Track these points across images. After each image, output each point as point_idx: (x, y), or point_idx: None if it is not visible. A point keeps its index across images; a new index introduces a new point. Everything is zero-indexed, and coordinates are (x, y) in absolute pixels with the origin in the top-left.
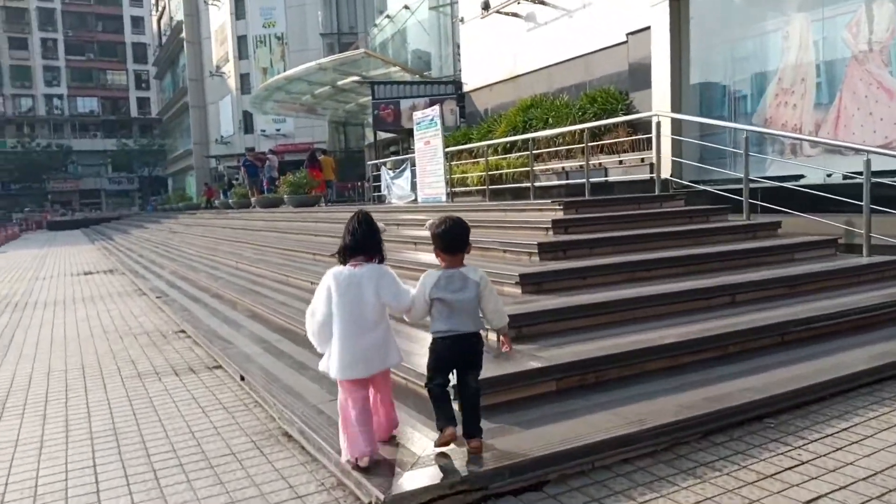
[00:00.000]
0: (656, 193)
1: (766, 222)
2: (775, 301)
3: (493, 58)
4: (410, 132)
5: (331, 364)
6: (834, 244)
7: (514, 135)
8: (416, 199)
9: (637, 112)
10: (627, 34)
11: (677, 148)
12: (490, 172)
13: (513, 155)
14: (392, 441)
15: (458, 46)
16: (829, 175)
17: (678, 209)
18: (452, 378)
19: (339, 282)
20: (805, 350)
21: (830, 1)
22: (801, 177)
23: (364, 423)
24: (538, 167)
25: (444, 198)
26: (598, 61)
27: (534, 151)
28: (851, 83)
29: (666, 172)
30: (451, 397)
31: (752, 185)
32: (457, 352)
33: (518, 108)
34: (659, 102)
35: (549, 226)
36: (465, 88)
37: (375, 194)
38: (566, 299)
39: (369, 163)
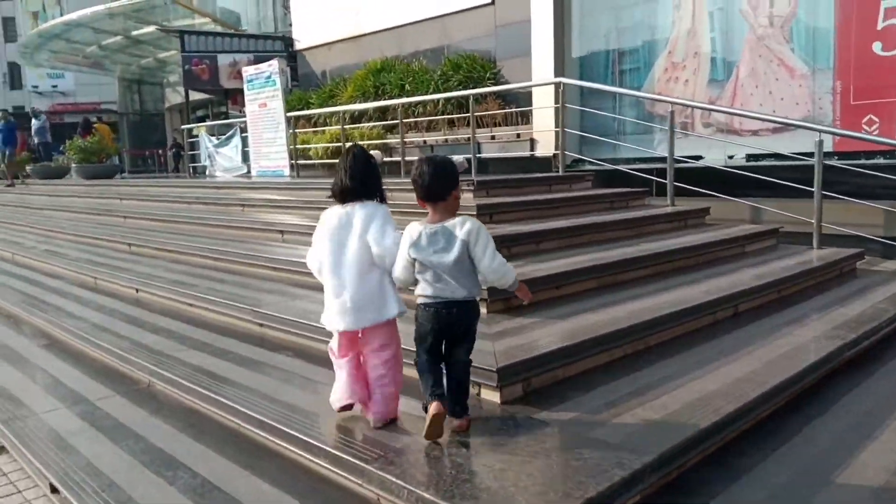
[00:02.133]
0: (560, 173)
1: (695, 209)
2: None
3: (331, 13)
4: (229, 93)
5: (324, 314)
6: (775, 234)
7: (364, 101)
8: (248, 172)
9: (507, 82)
10: None
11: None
12: (337, 144)
13: (366, 124)
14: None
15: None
16: (730, 157)
17: (593, 193)
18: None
19: (330, 222)
20: None
21: None
22: (699, 157)
23: (348, 380)
24: (394, 140)
25: (286, 171)
26: (459, 24)
27: (394, 121)
28: (750, 59)
29: (550, 149)
30: (440, 362)
31: (653, 166)
32: (441, 323)
33: (367, 70)
34: (540, 72)
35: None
36: (298, 46)
37: (193, 165)
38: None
39: (183, 126)
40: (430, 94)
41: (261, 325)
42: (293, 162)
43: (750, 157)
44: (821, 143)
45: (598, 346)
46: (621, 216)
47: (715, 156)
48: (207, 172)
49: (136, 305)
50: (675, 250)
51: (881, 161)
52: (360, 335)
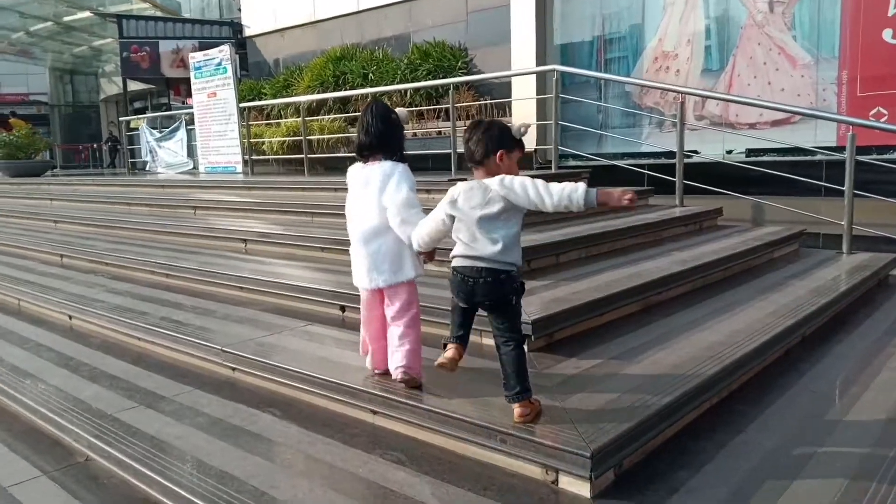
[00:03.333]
0: (554, 171)
1: (707, 210)
2: None
3: None
4: (171, 82)
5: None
6: (799, 238)
7: (323, 91)
8: (195, 168)
9: (479, 71)
10: None
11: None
12: (295, 137)
13: (326, 117)
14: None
15: None
16: (728, 152)
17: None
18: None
19: (353, 181)
20: None
21: None
22: (695, 152)
23: (369, 336)
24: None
25: (239, 167)
26: (426, 9)
27: (357, 113)
28: (747, 48)
29: (532, 144)
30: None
31: (646, 161)
32: (470, 292)
33: (326, 58)
34: (521, 61)
35: None
36: (248, 33)
37: (132, 161)
38: None
39: (121, 119)
40: (397, 83)
41: (233, 369)
42: (246, 157)
43: (750, 151)
44: (853, 136)
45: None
46: (635, 220)
47: (709, 150)
48: (148, 168)
49: (70, 338)
50: (709, 262)
51: None
52: (384, 295)
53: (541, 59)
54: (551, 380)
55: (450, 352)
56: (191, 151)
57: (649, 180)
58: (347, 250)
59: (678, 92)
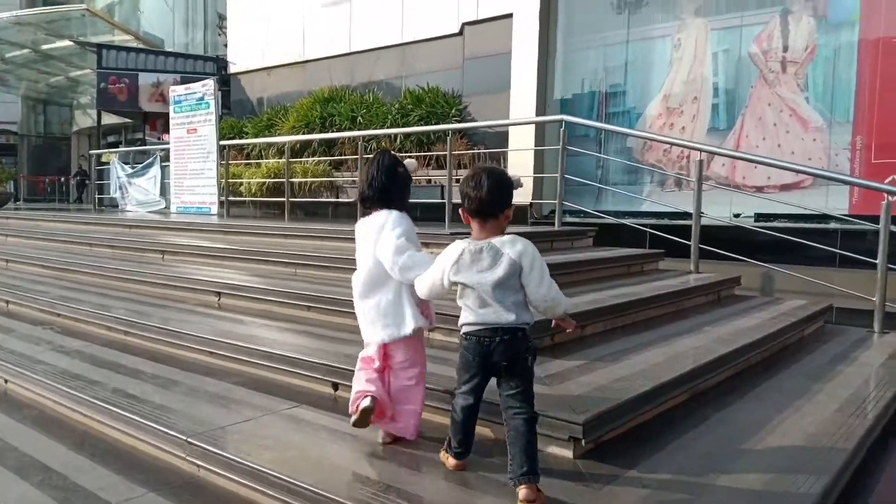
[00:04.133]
0: (558, 228)
1: (726, 278)
2: None
3: (273, 35)
4: (148, 116)
5: None
6: (825, 313)
7: (309, 133)
8: (167, 208)
9: (473, 119)
10: (464, 24)
11: (541, 169)
12: (276, 179)
13: (310, 159)
14: None
15: (221, 17)
16: (736, 215)
17: (604, 255)
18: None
19: (358, 232)
20: None
21: (736, 6)
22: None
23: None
24: (342, 178)
25: (214, 209)
26: (421, 54)
27: (343, 157)
28: (757, 107)
29: (528, 197)
30: (476, 418)
31: (651, 222)
32: (487, 353)
33: (314, 99)
34: (520, 111)
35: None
36: (233, 69)
37: (99, 196)
38: None
39: (92, 152)
40: (387, 128)
41: (198, 466)
42: (223, 199)
43: (759, 216)
44: (889, 205)
45: None
46: (655, 288)
47: (715, 213)
48: (119, 206)
49: (3, 410)
50: (750, 343)
51: None
52: (385, 349)
53: (541, 109)
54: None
55: (452, 465)
56: (164, 190)
57: (653, 241)
58: (336, 310)
59: (697, 149)
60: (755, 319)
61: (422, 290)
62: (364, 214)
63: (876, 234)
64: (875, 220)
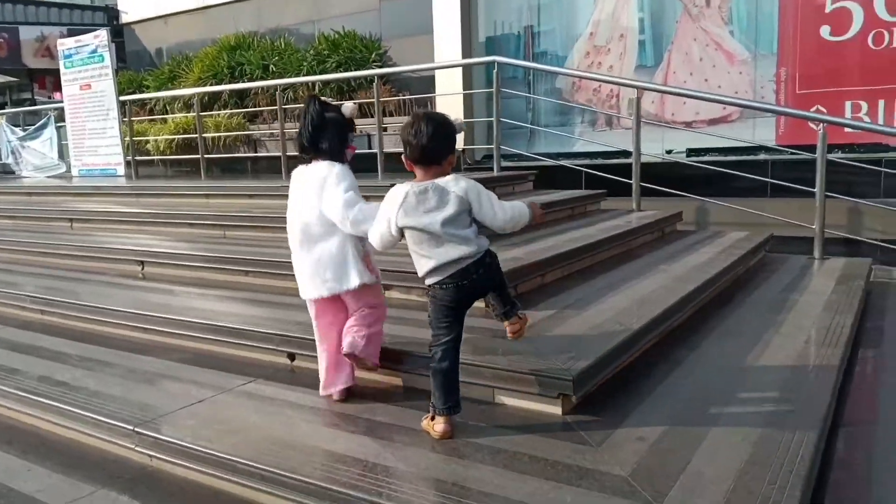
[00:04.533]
0: (497, 173)
1: (668, 215)
2: None
3: None
4: (35, 73)
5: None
6: (768, 243)
7: (217, 83)
8: (67, 171)
9: (394, 64)
10: None
11: (471, 113)
12: (187, 136)
13: (222, 112)
14: None
15: None
16: (668, 151)
17: (548, 198)
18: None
19: (294, 183)
20: None
21: None
22: (627, 153)
23: (327, 351)
24: (259, 132)
25: (121, 170)
26: None
27: (258, 108)
28: (683, 43)
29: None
30: (458, 369)
31: (586, 162)
32: (469, 291)
33: (220, 47)
34: (445, 54)
35: None
36: (125, 19)
37: None
38: None
39: None
40: (303, 76)
41: (150, 456)
42: (129, 158)
43: (691, 151)
44: (824, 134)
45: None
46: (603, 230)
47: (647, 150)
48: (15, 173)
49: None
50: (707, 282)
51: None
52: (339, 302)
53: (466, 51)
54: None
55: (441, 429)
56: (62, 152)
57: (589, 182)
58: (278, 273)
59: (634, 87)
60: (704, 255)
61: (374, 241)
62: (302, 163)
63: (804, 163)
64: (803, 149)
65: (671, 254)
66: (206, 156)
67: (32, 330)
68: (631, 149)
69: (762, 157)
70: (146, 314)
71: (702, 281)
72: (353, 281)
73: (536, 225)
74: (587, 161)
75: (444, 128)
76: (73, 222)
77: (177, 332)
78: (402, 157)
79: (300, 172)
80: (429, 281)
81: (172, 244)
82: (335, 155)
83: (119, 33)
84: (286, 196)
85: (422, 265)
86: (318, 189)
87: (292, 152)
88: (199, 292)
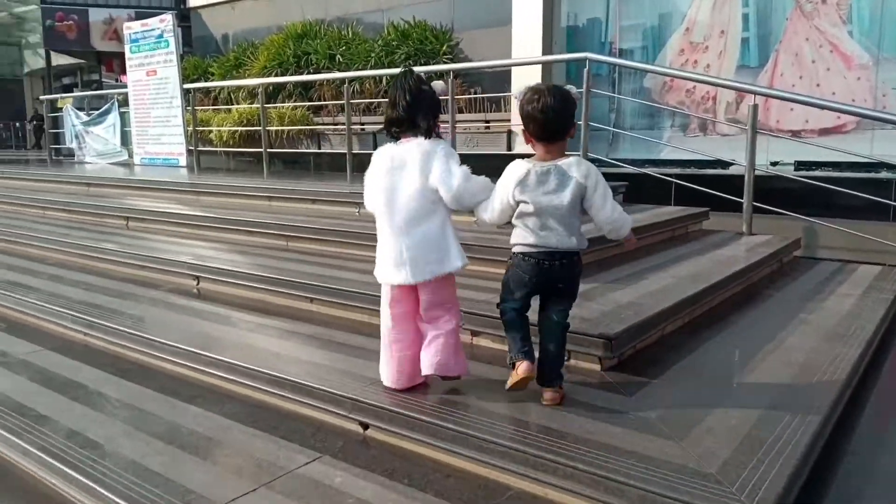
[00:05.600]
0: None
1: (787, 243)
2: None
3: None
4: (103, 56)
5: (377, 266)
6: None
7: (282, 73)
8: (129, 158)
9: (466, 57)
10: None
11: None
12: (250, 128)
13: (285, 104)
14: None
15: None
16: (773, 163)
17: (644, 218)
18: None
19: (381, 164)
20: None
21: None
22: (726, 164)
23: (399, 343)
24: (323, 125)
25: (183, 160)
26: None
27: (323, 102)
28: (793, 42)
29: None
30: (527, 322)
31: (675, 171)
32: (544, 276)
33: (286, 35)
34: (523, 48)
35: None
36: (192, 3)
37: (55, 147)
38: None
39: (42, 98)
40: (371, 67)
41: None
42: (191, 148)
43: (800, 164)
44: None
45: None
46: (717, 261)
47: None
48: (77, 157)
49: None
50: (868, 341)
51: None
52: (417, 291)
53: (547, 46)
54: None
55: (523, 368)
56: (125, 138)
57: (680, 193)
58: (347, 304)
59: (752, 92)
60: (847, 298)
61: (489, 213)
62: (393, 140)
63: None
64: None
65: (804, 294)
66: (268, 150)
67: (73, 356)
68: (729, 158)
69: (884, 174)
70: (197, 352)
71: (864, 341)
72: (455, 262)
73: (632, 253)
74: (678, 170)
75: (568, 102)
76: (129, 221)
77: (231, 377)
78: (521, 131)
79: (389, 151)
80: (517, 249)
81: (231, 256)
82: (429, 132)
83: (186, 18)
84: (352, 203)
85: (520, 236)
86: (422, 165)
87: (358, 150)
88: (259, 322)
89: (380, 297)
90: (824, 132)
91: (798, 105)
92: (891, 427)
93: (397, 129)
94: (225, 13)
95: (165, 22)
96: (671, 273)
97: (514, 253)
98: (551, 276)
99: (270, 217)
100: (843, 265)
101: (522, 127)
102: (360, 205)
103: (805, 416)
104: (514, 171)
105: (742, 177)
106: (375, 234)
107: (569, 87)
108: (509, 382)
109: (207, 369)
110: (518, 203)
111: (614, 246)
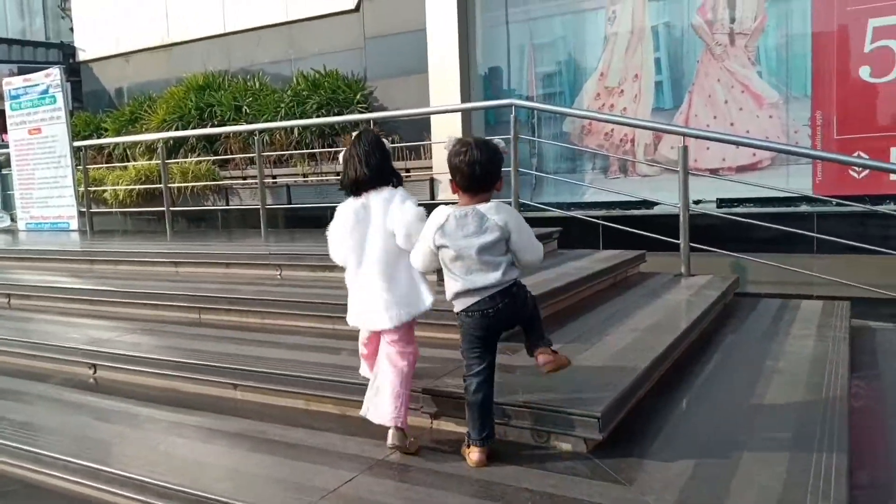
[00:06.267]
0: None
1: (729, 283)
2: None
3: (129, 16)
4: None
5: (350, 314)
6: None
7: (184, 126)
8: (12, 224)
9: (381, 106)
10: None
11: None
12: (149, 186)
13: (188, 160)
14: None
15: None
16: (696, 202)
17: (583, 266)
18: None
19: (346, 219)
20: None
21: None
22: (651, 204)
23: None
24: (231, 179)
25: (74, 223)
26: (312, 33)
27: (229, 156)
28: (706, 84)
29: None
30: (492, 399)
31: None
32: (494, 322)
33: (186, 87)
34: (441, 97)
35: None
36: (82, 57)
37: None
38: None
39: None
40: (282, 118)
41: None
42: (83, 209)
43: (721, 202)
44: None
45: None
46: (674, 308)
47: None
48: None
49: None
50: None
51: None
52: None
53: (465, 93)
54: None
55: (475, 458)
56: (7, 203)
57: (608, 236)
58: (279, 391)
59: (680, 134)
60: (805, 340)
61: (416, 260)
62: (352, 195)
63: (850, 215)
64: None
65: (760, 337)
66: (172, 208)
67: None
68: (651, 198)
69: (804, 208)
70: (97, 468)
71: (844, 389)
72: (426, 300)
73: (579, 308)
74: (603, 212)
75: (496, 155)
76: (10, 298)
77: (142, 499)
78: (450, 181)
79: (351, 207)
80: (457, 307)
81: (134, 338)
82: (398, 182)
83: (76, 72)
84: (272, 265)
85: (450, 287)
86: (383, 211)
87: (272, 204)
88: (173, 419)
89: (315, 377)
90: (741, 169)
91: (714, 144)
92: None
93: (363, 185)
94: (118, 66)
95: (51, 76)
96: (629, 326)
97: (456, 314)
98: (500, 321)
99: (178, 286)
100: (784, 302)
101: (450, 176)
102: (281, 266)
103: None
104: (435, 217)
105: (670, 216)
106: (303, 302)
107: (497, 140)
108: (462, 451)
109: (110, 488)
110: (439, 248)
111: (564, 298)
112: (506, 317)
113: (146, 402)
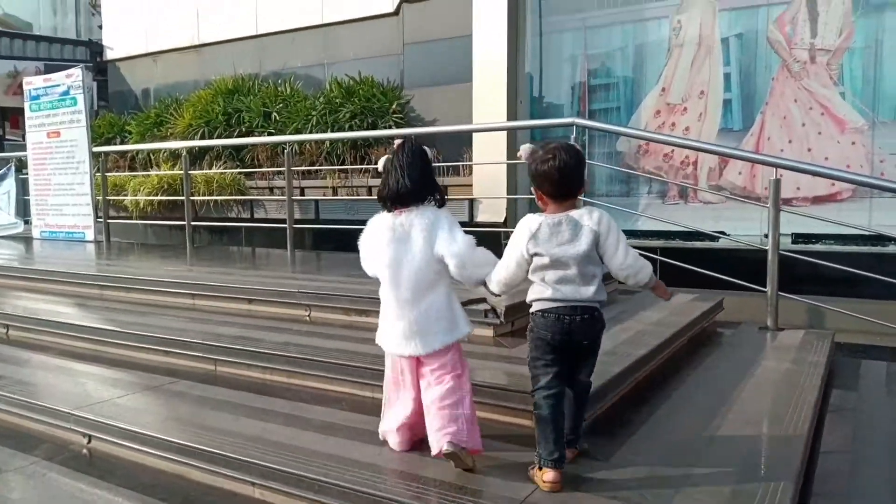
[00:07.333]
0: None
1: (828, 341)
2: None
3: (159, 14)
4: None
5: (381, 334)
6: None
7: (210, 132)
8: (23, 229)
9: (418, 116)
10: (401, 2)
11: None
12: (171, 198)
13: (213, 171)
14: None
15: None
16: (766, 235)
17: (656, 318)
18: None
19: (381, 236)
20: None
21: None
22: (713, 237)
23: (400, 409)
24: (257, 190)
25: (90, 233)
26: (348, 37)
27: (255, 166)
28: (781, 104)
29: (501, 214)
30: (564, 409)
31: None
32: (567, 332)
33: (214, 90)
34: (486, 108)
35: None
36: (110, 55)
37: None
38: None
39: None
40: (313, 125)
41: None
42: (101, 219)
43: (797, 237)
44: None
45: None
46: (777, 384)
47: (740, 231)
48: None
49: None
50: None
51: None
52: (422, 361)
53: (511, 105)
54: None
55: (550, 477)
56: (22, 208)
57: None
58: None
59: (772, 165)
60: None
61: (499, 279)
62: (387, 209)
63: None
64: None
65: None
66: (193, 222)
67: None
68: (714, 229)
69: (891, 248)
70: None
71: None
72: (464, 328)
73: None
74: (660, 242)
75: (581, 159)
76: (9, 329)
77: None
78: (533, 189)
79: (388, 222)
80: (534, 307)
81: (137, 400)
82: (434, 200)
83: (103, 71)
84: (299, 305)
85: (535, 291)
86: (426, 235)
87: (299, 219)
88: None
89: (356, 489)
90: (817, 200)
91: (785, 171)
92: None
93: (403, 199)
94: (146, 66)
95: (73, 77)
96: (741, 418)
97: (531, 313)
98: (573, 333)
99: (194, 326)
100: (892, 364)
101: (534, 187)
102: (311, 307)
103: None
104: (526, 225)
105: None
106: (337, 364)
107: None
108: (530, 476)
109: None
110: (532, 256)
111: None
112: (580, 332)
113: (144, 495)
